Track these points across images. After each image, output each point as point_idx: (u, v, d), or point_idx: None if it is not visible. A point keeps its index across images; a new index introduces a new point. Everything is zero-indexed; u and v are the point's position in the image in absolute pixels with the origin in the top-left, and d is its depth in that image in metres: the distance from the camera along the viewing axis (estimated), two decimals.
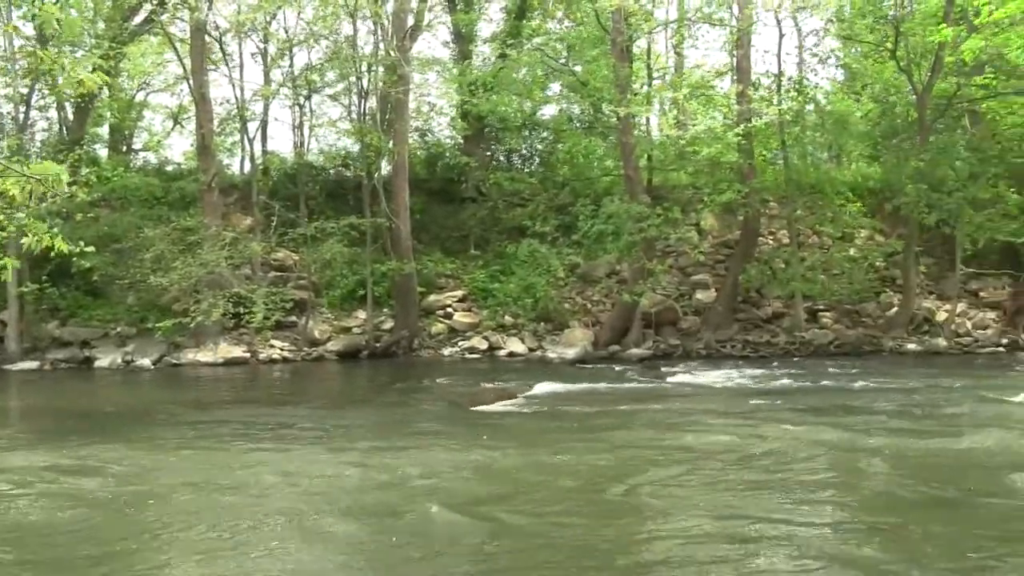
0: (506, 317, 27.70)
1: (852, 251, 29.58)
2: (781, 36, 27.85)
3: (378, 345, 26.56)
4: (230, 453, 12.36)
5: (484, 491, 10.23)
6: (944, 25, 24.67)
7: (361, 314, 27.46)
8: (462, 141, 33.22)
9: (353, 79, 28.19)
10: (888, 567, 7.62)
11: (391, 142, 27.43)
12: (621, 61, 26.18)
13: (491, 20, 34.58)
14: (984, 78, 26.85)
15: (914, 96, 27.47)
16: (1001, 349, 27.49)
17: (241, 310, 24.39)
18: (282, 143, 62.62)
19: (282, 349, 25.99)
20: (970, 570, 7.57)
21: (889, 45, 27.11)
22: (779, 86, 27.96)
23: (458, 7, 32.44)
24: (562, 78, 32.03)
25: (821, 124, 30.36)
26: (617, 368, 23.84)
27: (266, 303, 24.29)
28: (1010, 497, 10.02)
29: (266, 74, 29.09)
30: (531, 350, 26.89)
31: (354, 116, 28.85)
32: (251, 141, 29.11)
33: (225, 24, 28.33)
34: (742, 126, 25.08)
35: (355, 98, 28.55)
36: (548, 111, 34.58)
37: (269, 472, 11.04)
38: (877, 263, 29.59)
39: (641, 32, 28.34)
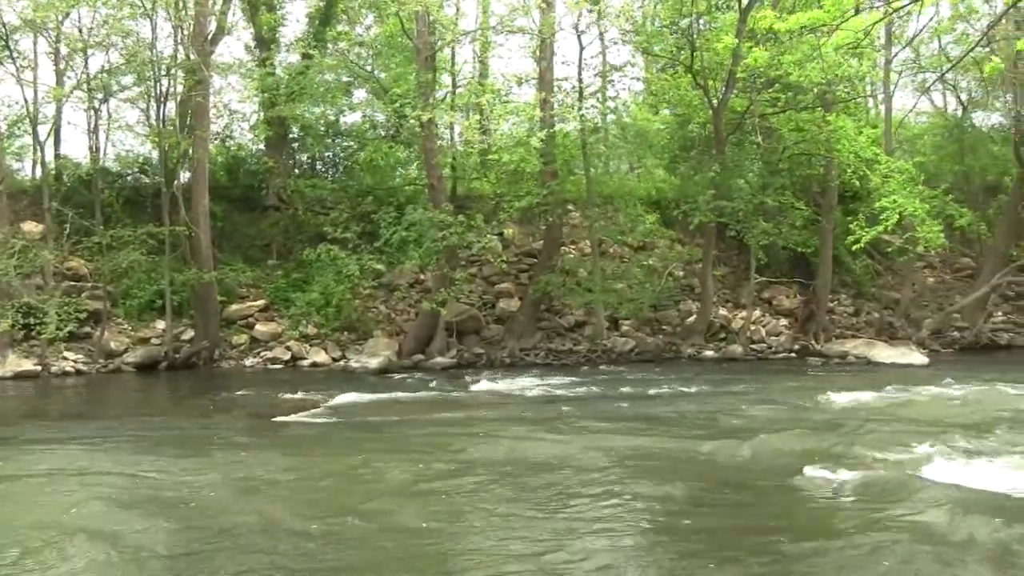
0: (309, 327, 27.87)
1: (652, 261, 30.81)
2: (581, 48, 28.76)
3: (177, 356, 26.39)
4: (16, 471, 12.26)
5: (273, 499, 10.49)
6: (731, 36, 26.09)
7: (160, 324, 27.20)
8: (264, 148, 33.21)
9: (152, 82, 27.94)
10: (685, 566, 8.18)
11: (191, 148, 27.29)
12: (425, 68, 26.77)
13: (297, 21, 34.57)
14: (771, 93, 28.47)
15: (711, 110, 28.80)
16: (793, 355, 29.16)
17: (32, 321, 23.99)
18: (77, 147, 60.55)
19: (76, 361, 25.57)
20: (756, 563, 8.23)
21: (685, 60, 28.40)
22: (580, 95, 28.89)
23: (261, 11, 32.35)
24: (367, 84, 32.34)
25: (623, 135, 31.52)
26: (421, 377, 24.25)
27: (59, 314, 23.95)
28: (792, 494, 10.83)
29: (59, 75, 28.56)
30: (335, 360, 27.19)
31: (153, 121, 28.56)
32: (42, 145, 28.45)
33: (15, 20, 27.68)
34: (542, 132, 26.03)
35: (154, 102, 28.26)
36: (353, 118, 34.92)
37: (60, 486, 11.12)
38: (676, 272, 30.96)
39: (445, 40, 28.93)
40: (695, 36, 27.80)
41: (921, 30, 35.16)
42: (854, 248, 27.67)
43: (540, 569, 8.03)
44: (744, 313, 30.08)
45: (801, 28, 18.60)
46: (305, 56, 30.59)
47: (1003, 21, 28.07)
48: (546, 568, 8.05)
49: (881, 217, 26.32)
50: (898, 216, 26.14)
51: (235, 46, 44.31)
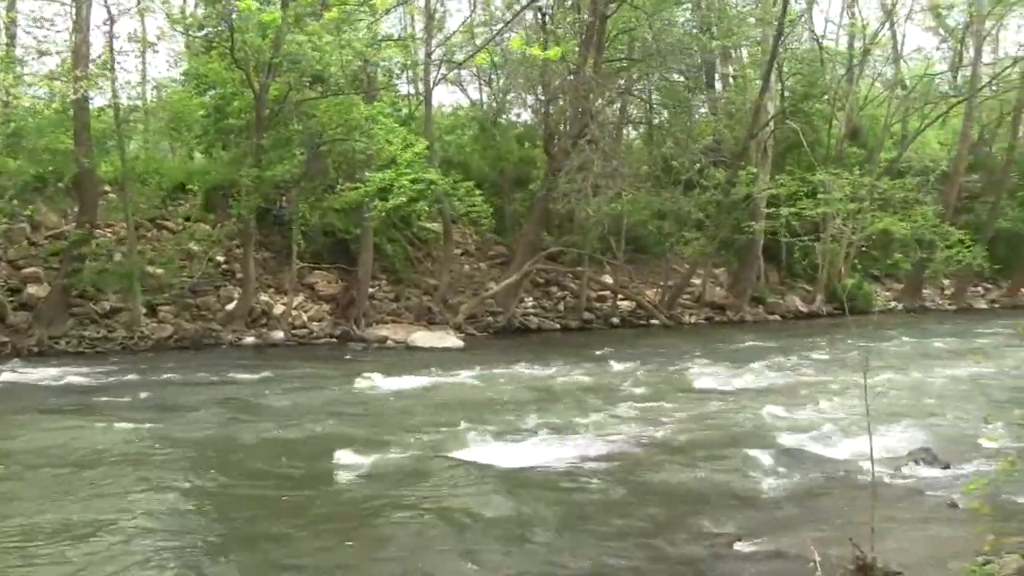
0: None
1: (192, 244, 30.42)
2: (111, 19, 27.46)
3: None
4: None
5: None
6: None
7: None
8: None
9: None
10: (193, 554, 8.47)
11: None
12: None
13: None
14: (300, 78, 28.67)
15: (253, 95, 28.76)
16: (335, 340, 29.78)
17: None
18: None
19: None
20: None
21: (225, 43, 28.24)
22: (112, 69, 27.86)
23: None
24: None
25: (162, 115, 30.99)
26: None
27: None
28: (322, 479, 11.38)
29: None
30: None
31: None
32: None
33: None
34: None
35: None
36: None
37: None
38: (217, 257, 30.78)
39: None
40: (232, 18, 27.68)
41: (456, 30, 37.22)
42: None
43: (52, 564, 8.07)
44: (286, 298, 30.39)
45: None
46: None
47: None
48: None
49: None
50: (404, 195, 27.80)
51: None
